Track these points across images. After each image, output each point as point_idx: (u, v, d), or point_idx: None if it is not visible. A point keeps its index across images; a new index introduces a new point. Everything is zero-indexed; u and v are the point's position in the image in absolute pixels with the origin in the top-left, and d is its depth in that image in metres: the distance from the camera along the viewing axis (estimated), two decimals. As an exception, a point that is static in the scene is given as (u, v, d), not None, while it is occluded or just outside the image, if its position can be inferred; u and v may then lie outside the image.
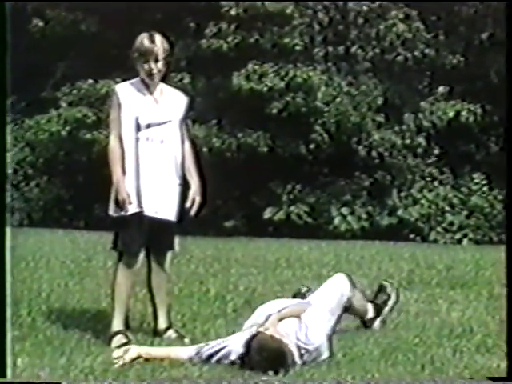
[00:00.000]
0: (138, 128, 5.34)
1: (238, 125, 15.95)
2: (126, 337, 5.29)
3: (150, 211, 5.33)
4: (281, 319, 4.84)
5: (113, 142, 5.35)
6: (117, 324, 5.33)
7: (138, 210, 5.30)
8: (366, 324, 5.74)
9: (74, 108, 16.84)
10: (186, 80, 16.18)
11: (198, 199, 5.47)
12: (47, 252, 10.33)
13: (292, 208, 15.94)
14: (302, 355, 4.73)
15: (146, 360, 4.75)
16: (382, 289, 5.95)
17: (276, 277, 8.42)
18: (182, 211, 5.48)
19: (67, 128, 16.85)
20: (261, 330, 4.72)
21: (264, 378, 4.49)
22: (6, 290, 4.11)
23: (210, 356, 4.78)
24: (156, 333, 5.53)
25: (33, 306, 6.33)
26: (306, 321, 4.86)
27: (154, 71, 5.38)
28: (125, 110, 5.36)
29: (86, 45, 17.35)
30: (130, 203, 5.26)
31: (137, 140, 5.34)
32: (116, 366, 4.64)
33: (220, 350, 4.78)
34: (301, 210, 15.94)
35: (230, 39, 16.20)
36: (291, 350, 4.66)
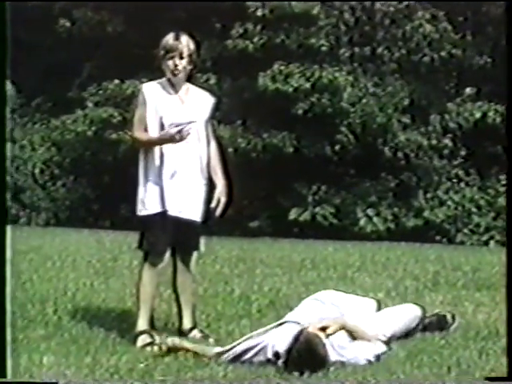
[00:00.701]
0: (163, 127, 5.35)
1: (263, 125, 15.95)
2: (151, 336, 5.30)
3: (174, 211, 5.34)
4: (323, 329, 4.81)
5: (138, 134, 5.39)
6: (142, 324, 5.35)
7: (161, 209, 5.31)
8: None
9: (100, 108, 16.92)
10: (212, 80, 16.20)
11: (223, 199, 5.47)
12: (73, 251, 10.39)
13: (317, 209, 15.91)
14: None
15: (176, 351, 4.77)
16: (438, 319, 5.82)
17: (301, 278, 8.41)
18: (208, 211, 5.49)
19: (93, 128, 16.94)
20: (310, 328, 4.71)
21: (291, 375, 4.48)
22: (5, 290, 4.13)
23: (245, 351, 4.75)
24: (181, 333, 5.54)
25: (59, 305, 6.36)
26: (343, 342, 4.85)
27: (179, 67, 5.39)
28: (150, 109, 5.37)
29: (112, 45, 17.44)
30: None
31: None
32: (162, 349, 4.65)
33: (257, 344, 4.75)
34: (326, 210, 15.91)
35: (255, 40, 16.21)
36: (329, 355, 4.65)
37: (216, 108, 5.70)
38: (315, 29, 16.44)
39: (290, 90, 15.58)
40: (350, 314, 5.12)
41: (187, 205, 5.38)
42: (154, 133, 5.36)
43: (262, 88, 15.69)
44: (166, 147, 5.34)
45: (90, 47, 17.76)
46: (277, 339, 4.73)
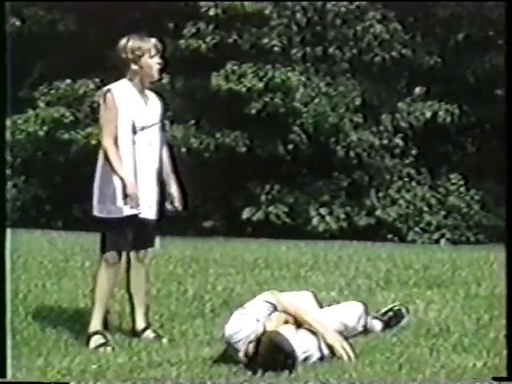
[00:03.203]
0: (135, 131, 5.37)
1: (216, 125, 15.94)
2: (105, 337, 5.28)
3: (131, 210, 5.34)
4: (286, 321, 4.84)
5: (107, 143, 5.30)
6: (95, 324, 5.32)
7: (136, 211, 5.31)
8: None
9: (51, 108, 16.75)
10: (165, 80, 16.14)
11: (176, 199, 5.53)
12: (25, 252, 10.26)
13: (270, 208, 15.94)
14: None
15: None
16: (397, 313, 5.86)
17: (254, 277, 8.42)
18: (161, 209, 5.53)
19: (45, 128, 16.76)
20: (269, 327, 4.72)
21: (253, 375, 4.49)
22: (5, 291, 4.17)
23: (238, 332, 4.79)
24: (134, 333, 5.52)
25: (10, 307, 6.28)
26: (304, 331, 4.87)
27: (163, 65, 5.47)
28: (122, 113, 5.35)
29: (64, 44, 17.27)
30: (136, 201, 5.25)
31: (133, 143, 5.36)
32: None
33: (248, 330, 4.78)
34: (279, 210, 15.95)
35: (208, 39, 16.18)
36: (296, 350, 4.66)
37: (166, 109, 5.71)
38: (267, 29, 16.46)
39: (243, 89, 15.58)
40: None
41: (145, 204, 5.37)
42: (126, 138, 5.34)
43: (215, 88, 15.68)
44: (124, 149, 5.32)
45: (41, 46, 17.57)
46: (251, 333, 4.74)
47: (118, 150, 5.30)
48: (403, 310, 5.87)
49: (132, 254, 5.51)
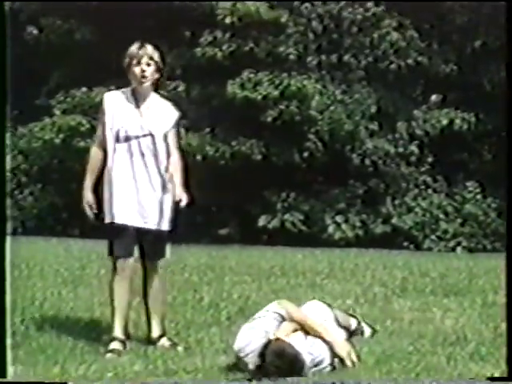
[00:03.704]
0: (117, 139, 5.39)
1: (232, 133, 15.94)
2: (124, 345, 5.30)
3: (131, 221, 5.37)
4: (295, 330, 4.84)
5: (93, 150, 5.51)
6: (117, 331, 5.36)
7: (110, 219, 5.35)
8: (355, 334, 5.68)
9: (67, 116, 16.80)
10: (181, 88, 16.18)
11: (182, 200, 5.42)
12: (41, 260, 10.30)
13: (286, 216, 15.92)
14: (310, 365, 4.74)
15: None
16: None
17: (270, 285, 8.41)
18: (173, 220, 5.51)
19: (61, 136, 16.81)
20: (276, 336, 4.71)
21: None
22: (5, 292, 4.20)
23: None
24: (150, 341, 5.52)
25: (26, 315, 6.31)
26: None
27: (146, 73, 5.40)
28: (108, 120, 5.43)
29: (81, 53, 17.34)
30: (92, 210, 5.38)
31: (114, 151, 5.39)
32: None
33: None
34: (295, 218, 15.92)
35: (224, 48, 16.21)
36: (305, 357, 4.66)
37: (179, 120, 5.66)
38: (284, 37, 16.48)
39: (259, 97, 15.59)
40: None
41: (147, 215, 5.40)
42: (110, 145, 5.39)
43: (231, 96, 15.69)
44: (118, 158, 5.36)
45: (58, 55, 17.65)
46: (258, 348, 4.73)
47: (99, 155, 5.43)
48: (363, 324, 5.82)
49: (147, 263, 5.52)
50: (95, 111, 16.22)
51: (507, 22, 4.62)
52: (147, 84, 5.45)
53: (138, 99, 5.46)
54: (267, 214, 15.95)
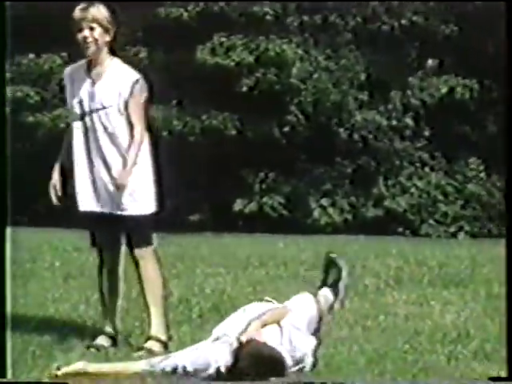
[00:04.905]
0: (77, 116, 5.42)
1: (201, 105, 15.93)
2: (112, 340, 5.48)
3: (93, 207, 5.42)
4: (264, 325, 4.88)
5: (68, 129, 5.55)
6: (104, 324, 5.56)
7: (88, 207, 5.44)
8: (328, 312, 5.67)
9: (13, 86, 16.72)
10: (143, 54, 16.14)
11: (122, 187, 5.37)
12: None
13: (265, 199, 15.97)
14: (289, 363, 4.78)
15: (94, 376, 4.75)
16: (331, 263, 5.82)
17: (247, 277, 8.45)
18: (142, 203, 5.53)
19: (6, 109, 16.72)
20: (245, 338, 4.74)
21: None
22: (5, 292, 4.29)
23: (175, 369, 4.78)
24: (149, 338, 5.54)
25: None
26: (288, 326, 4.90)
27: (89, 40, 5.33)
28: (69, 96, 5.49)
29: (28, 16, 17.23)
30: (56, 194, 5.48)
31: (77, 128, 5.43)
32: (57, 373, 4.66)
33: (176, 363, 4.77)
34: (275, 201, 15.97)
35: (190, 7, 16.16)
36: (284, 356, 4.70)
37: (144, 85, 5.60)
38: (259, -6, 16.49)
39: (232, 64, 15.59)
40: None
41: (106, 199, 5.42)
42: (73, 124, 5.45)
43: (200, 62, 15.67)
44: (78, 136, 5.41)
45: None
46: (218, 356, 4.76)
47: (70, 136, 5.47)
48: (333, 256, 5.70)
49: (136, 253, 5.55)
50: (45, 81, 16.20)
51: (507, 22, 4.69)
52: (93, 49, 5.36)
53: (90, 69, 5.44)
54: (243, 197, 15.99)
